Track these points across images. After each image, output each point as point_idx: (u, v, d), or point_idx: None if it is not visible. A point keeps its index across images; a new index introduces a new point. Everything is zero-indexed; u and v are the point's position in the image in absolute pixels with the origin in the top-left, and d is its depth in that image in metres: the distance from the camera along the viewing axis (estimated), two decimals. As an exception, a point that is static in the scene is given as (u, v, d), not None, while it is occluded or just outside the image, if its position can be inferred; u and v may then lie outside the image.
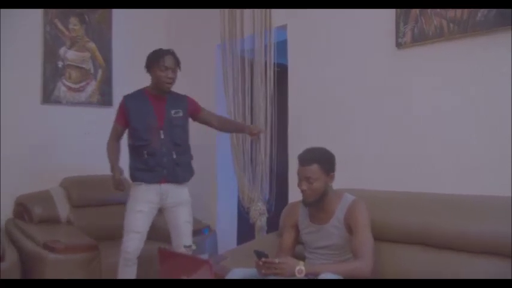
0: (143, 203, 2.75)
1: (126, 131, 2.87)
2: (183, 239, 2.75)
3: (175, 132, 2.79)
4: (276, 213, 3.08)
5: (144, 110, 2.77)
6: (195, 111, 2.93)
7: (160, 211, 2.87)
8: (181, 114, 2.82)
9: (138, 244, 2.74)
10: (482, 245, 1.98)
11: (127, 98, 2.84)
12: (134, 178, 2.79)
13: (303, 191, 2.13)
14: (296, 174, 2.16)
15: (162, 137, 2.74)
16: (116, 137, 2.86)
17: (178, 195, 2.82)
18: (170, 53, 2.77)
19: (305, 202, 2.16)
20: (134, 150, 2.79)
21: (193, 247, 2.57)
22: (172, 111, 2.79)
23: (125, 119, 2.80)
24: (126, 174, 2.83)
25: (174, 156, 2.77)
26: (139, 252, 2.75)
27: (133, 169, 2.79)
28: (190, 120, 2.95)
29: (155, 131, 2.74)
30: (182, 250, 2.63)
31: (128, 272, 2.75)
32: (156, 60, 2.74)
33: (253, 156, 3.34)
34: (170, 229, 2.87)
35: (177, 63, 2.80)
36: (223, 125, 3.12)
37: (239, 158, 3.39)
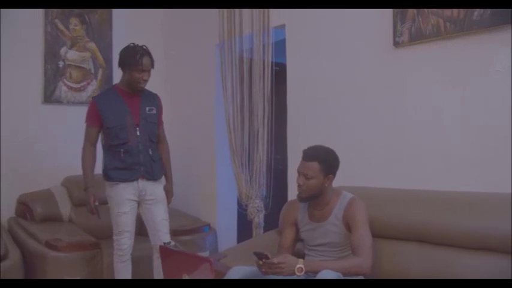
0: (124, 203, 2.75)
1: None
2: (160, 236, 2.79)
3: (150, 129, 2.79)
4: (273, 210, 3.11)
5: (119, 108, 2.73)
6: (160, 115, 2.90)
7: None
8: (154, 111, 2.82)
9: (130, 241, 2.80)
10: (481, 241, 2.00)
11: (97, 99, 2.79)
12: (110, 178, 2.75)
13: (298, 186, 2.15)
14: (295, 171, 2.19)
15: (138, 134, 2.74)
16: (91, 141, 2.78)
17: (155, 192, 2.82)
18: (147, 53, 2.71)
19: (299, 197, 2.19)
20: (110, 150, 2.75)
21: (172, 243, 2.66)
22: (147, 108, 2.78)
23: (99, 119, 2.73)
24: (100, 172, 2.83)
25: (151, 153, 2.78)
26: (131, 249, 2.82)
27: (109, 169, 2.75)
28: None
29: (131, 128, 2.72)
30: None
31: (124, 267, 2.81)
32: (133, 60, 2.66)
33: (251, 154, 3.36)
34: (147, 226, 2.88)
35: (153, 63, 2.75)
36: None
37: (237, 156, 3.42)
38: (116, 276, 2.84)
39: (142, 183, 2.77)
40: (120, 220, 2.77)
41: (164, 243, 2.62)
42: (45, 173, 3.74)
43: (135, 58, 2.66)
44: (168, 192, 2.94)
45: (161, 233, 2.80)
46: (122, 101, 2.74)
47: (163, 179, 2.92)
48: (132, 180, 2.75)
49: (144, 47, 2.73)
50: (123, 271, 2.81)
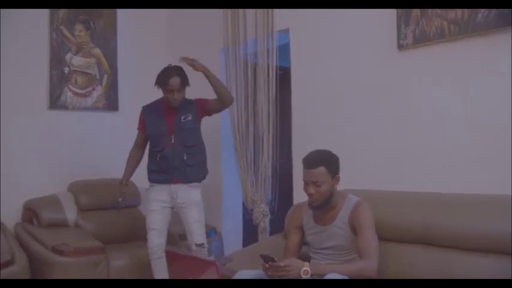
0: (155, 202, 2.97)
1: None
2: (193, 238, 2.96)
3: (185, 135, 2.94)
4: (279, 215, 3.11)
5: (158, 119, 2.98)
6: (204, 107, 3.02)
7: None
8: (190, 118, 2.97)
9: (157, 239, 2.96)
10: (486, 243, 1.99)
11: (144, 109, 3.08)
12: (149, 179, 3.03)
13: (310, 195, 2.12)
14: (300, 175, 2.18)
15: (173, 141, 2.93)
16: (137, 145, 3.12)
17: (187, 196, 2.96)
18: (176, 74, 2.85)
19: (312, 206, 2.15)
20: (151, 154, 3.04)
21: (205, 245, 2.91)
22: (182, 117, 2.95)
23: (143, 127, 3.04)
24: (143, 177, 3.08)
25: (185, 158, 2.93)
26: (162, 247, 2.97)
27: (148, 171, 3.04)
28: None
29: (167, 136, 2.93)
30: (194, 248, 2.90)
31: (156, 264, 2.97)
32: (163, 82, 2.87)
33: (256, 158, 3.37)
34: (184, 227, 3.05)
35: (183, 83, 2.88)
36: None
37: (242, 160, 3.42)
38: (154, 274, 3.00)
39: (175, 187, 2.95)
40: (148, 217, 3.01)
41: (196, 244, 2.93)
42: (51, 178, 3.75)
43: (163, 79, 2.87)
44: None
45: (194, 234, 2.96)
46: (161, 112, 2.99)
47: (198, 183, 3.04)
48: (165, 183, 2.95)
49: (176, 67, 2.89)
50: (156, 268, 2.97)
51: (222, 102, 2.98)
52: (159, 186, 2.97)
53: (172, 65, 2.92)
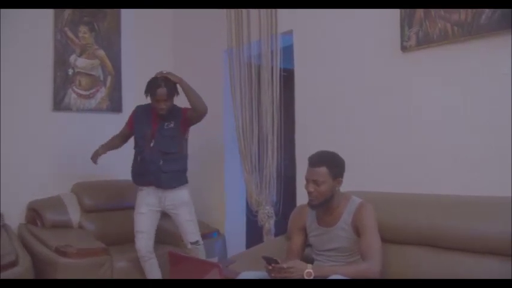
0: (143, 206, 3.07)
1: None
2: (187, 237, 3.05)
3: (164, 142, 3.02)
4: (283, 216, 3.11)
5: (145, 121, 3.09)
6: (186, 115, 3.07)
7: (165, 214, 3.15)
8: (172, 125, 3.04)
9: (145, 242, 3.04)
10: (491, 245, 1.99)
11: (137, 108, 3.20)
12: (132, 180, 3.16)
13: (309, 193, 2.14)
14: (304, 177, 2.18)
15: (152, 145, 3.02)
16: (119, 135, 3.26)
17: (175, 198, 3.05)
18: (163, 85, 2.94)
19: (310, 204, 2.17)
20: (134, 155, 3.14)
21: (201, 242, 2.99)
22: (165, 124, 3.04)
23: (131, 124, 3.17)
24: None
25: (161, 163, 2.99)
26: (151, 249, 3.06)
27: (131, 171, 3.15)
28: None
29: (148, 139, 3.03)
30: (189, 247, 2.98)
31: (147, 266, 3.06)
32: (150, 92, 2.98)
33: (260, 159, 3.36)
34: (178, 228, 3.12)
35: (170, 93, 2.97)
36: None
37: (246, 161, 3.42)
38: (146, 275, 3.08)
39: (162, 190, 3.03)
40: (136, 220, 3.08)
41: (191, 242, 3.01)
42: (55, 179, 3.76)
43: (150, 89, 2.98)
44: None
45: (187, 233, 3.05)
46: (150, 115, 3.08)
47: (186, 185, 3.12)
48: (145, 185, 3.06)
49: (162, 78, 2.97)
50: (147, 270, 3.06)
51: (195, 111, 3.02)
52: (146, 189, 3.06)
53: (157, 75, 3.00)
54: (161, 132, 3.02)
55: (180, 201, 3.05)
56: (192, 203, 3.12)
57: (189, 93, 3.00)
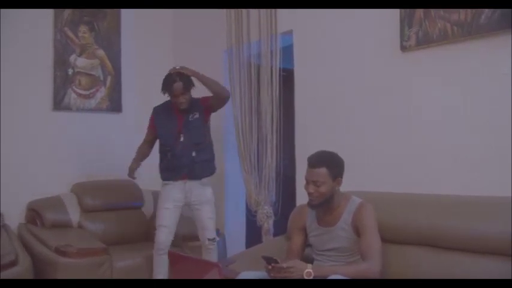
0: (169, 201, 3.10)
1: None
2: (206, 233, 3.12)
3: (193, 133, 3.08)
4: (283, 216, 3.11)
5: (167, 119, 3.13)
6: (207, 104, 3.13)
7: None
8: (197, 116, 3.11)
9: (166, 236, 3.08)
10: (491, 245, 1.99)
11: (155, 110, 3.23)
12: (162, 177, 3.16)
13: (309, 194, 2.14)
14: (303, 177, 2.18)
15: (182, 139, 3.06)
16: (145, 142, 3.26)
17: (201, 193, 3.12)
18: (178, 79, 2.98)
19: (310, 205, 2.18)
20: (162, 154, 3.16)
21: (217, 239, 3.20)
22: (190, 116, 3.09)
23: (153, 128, 3.19)
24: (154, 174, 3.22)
25: (194, 154, 3.06)
26: (169, 244, 3.09)
27: (160, 169, 3.16)
28: None
29: (176, 135, 3.07)
30: (206, 242, 3.07)
31: (158, 260, 3.08)
32: (167, 88, 3.02)
33: (259, 159, 3.36)
34: (196, 224, 3.20)
35: (186, 86, 3.02)
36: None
37: (246, 161, 3.42)
38: (154, 268, 3.10)
39: (189, 185, 3.09)
40: (160, 214, 3.13)
41: (208, 239, 3.10)
42: (54, 179, 3.76)
43: (167, 85, 3.02)
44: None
45: (207, 230, 3.12)
46: (171, 112, 3.12)
47: (209, 181, 3.18)
48: (177, 180, 3.08)
49: (176, 74, 3.01)
50: (159, 264, 3.07)
51: (218, 98, 3.09)
52: (173, 183, 3.09)
53: (174, 70, 3.04)
54: (188, 125, 3.08)
55: (205, 199, 3.12)
56: (214, 201, 3.19)
57: (208, 82, 3.05)
